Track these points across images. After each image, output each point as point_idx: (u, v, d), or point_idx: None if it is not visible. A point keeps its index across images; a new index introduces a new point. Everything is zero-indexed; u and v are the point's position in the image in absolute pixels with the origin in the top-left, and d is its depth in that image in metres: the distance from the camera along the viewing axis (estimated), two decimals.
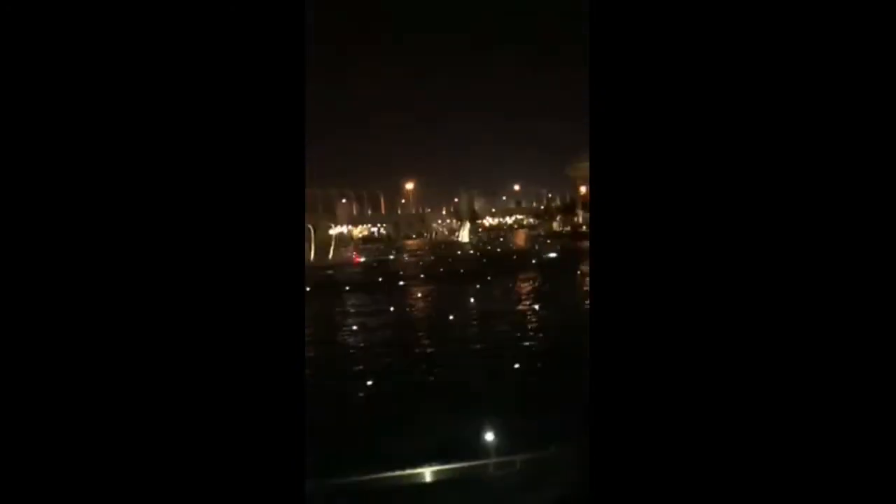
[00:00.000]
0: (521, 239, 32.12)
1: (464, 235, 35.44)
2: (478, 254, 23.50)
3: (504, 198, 66.27)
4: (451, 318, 8.92)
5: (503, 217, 58.45)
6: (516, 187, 64.34)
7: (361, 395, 5.30)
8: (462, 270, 16.55)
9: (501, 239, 34.69)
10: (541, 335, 7.22)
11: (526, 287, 12.25)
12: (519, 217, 56.73)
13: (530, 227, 46.62)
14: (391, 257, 25.03)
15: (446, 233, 37.53)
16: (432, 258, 22.51)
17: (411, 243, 32.74)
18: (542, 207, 54.71)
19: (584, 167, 43.43)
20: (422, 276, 15.87)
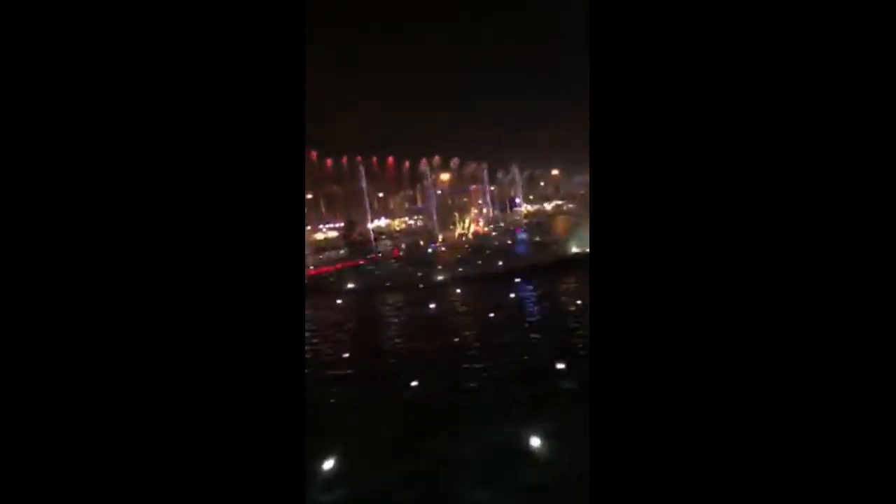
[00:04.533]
0: (560, 226, 31.50)
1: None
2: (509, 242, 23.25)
3: (542, 183, 65.17)
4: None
5: (541, 203, 57.58)
6: (555, 172, 63.14)
7: None
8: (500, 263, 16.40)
9: (541, 225, 34.15)
10: None
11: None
12: (559, 203, 55.74)
13: (570, 212, 45.67)
14: (429, 251, 25.16)
15: (482, 223, 37.24)
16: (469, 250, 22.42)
17: (449, 235, 32.69)
18: (582, 192, 53.48)
19: None
20: (460, 269, 15.83)
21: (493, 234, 32.63)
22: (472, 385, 5.60)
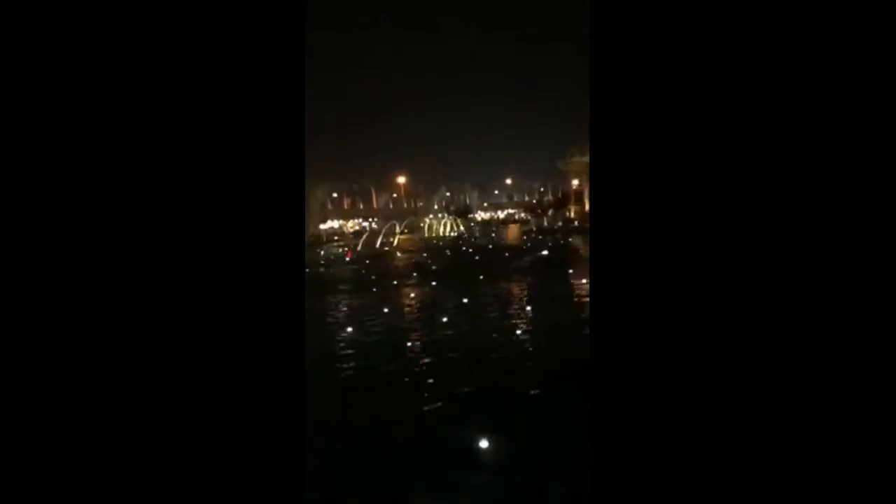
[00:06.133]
0: (512, 234, 32.08)
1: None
2: (469, 250, 23.48)
3: (496, 192, 66.16)
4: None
5: (495, 211, 58.42)
6: (508, 181, 64.28)
7: None
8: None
9: (493, 234, 34.66)
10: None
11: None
12: (511, 211, 56.70)
13: (522, 221, 46.62)
14: (386, 249, 25.00)
15: (438, 227, 37.44)
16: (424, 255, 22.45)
17: (404, 238, 32.59)
18: (535, 201, 54.79)
19: (575, 161, 43.30)
20: (414, 274, 15.83)
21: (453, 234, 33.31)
22: None
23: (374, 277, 15.12)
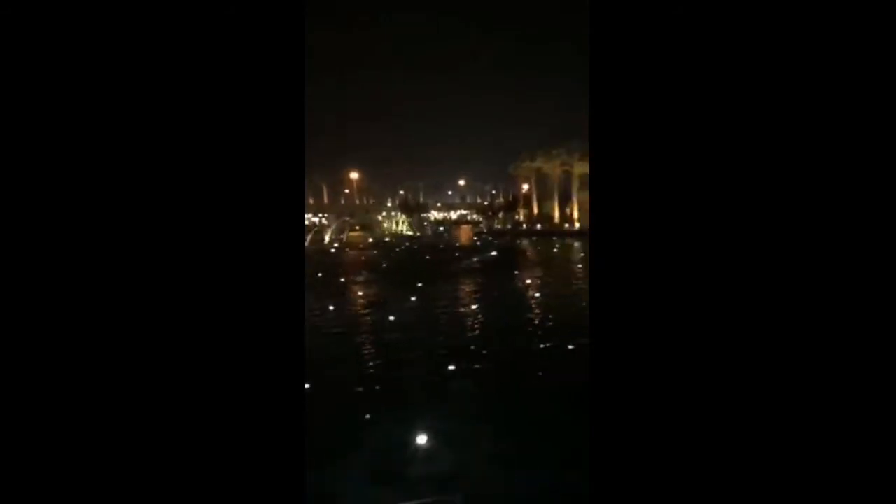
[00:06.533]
0: (465, 235, 32.30)
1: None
2: (421, 249, 23.40)
3: (450, 192, 66.55)
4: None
5: (448, 212, 58.78)
6: (461, 182, 64.79)
7: None
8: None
9: (445, 235, 34.76)
10: None
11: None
12: (463, 212, 57.17)
13: (474, 222, 47.15)
14: (332, 250, 24.46)
15: (392, 225, 37.19)
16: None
17: (355, 235, 32.03)
18: (486, 203, 55.54)
19: (525, 166, 44.22)
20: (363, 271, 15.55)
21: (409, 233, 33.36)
22: None
23: (320, 274, 14.72)
